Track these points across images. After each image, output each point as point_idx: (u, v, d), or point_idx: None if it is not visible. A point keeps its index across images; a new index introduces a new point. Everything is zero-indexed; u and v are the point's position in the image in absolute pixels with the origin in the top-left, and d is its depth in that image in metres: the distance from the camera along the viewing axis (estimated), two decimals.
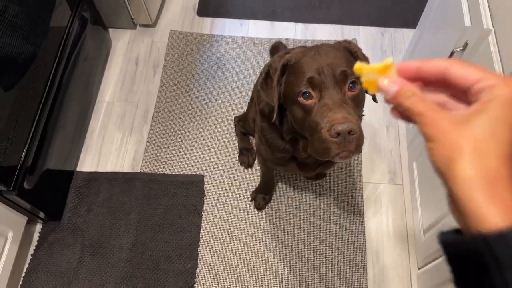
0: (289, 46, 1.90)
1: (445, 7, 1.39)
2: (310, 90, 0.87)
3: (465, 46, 1.17)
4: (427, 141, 0.36)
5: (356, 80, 0.87)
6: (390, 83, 0.39)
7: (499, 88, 0.35)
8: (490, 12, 1.08)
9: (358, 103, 0.90)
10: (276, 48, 1.75)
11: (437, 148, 0.35)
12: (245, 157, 1.71)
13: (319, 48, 0.92)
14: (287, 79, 0.95)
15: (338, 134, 0.81)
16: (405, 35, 2.06)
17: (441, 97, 0.40)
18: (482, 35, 1.08)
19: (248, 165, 1.71)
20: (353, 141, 0.82)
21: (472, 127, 0.34)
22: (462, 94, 0.38)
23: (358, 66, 0.43)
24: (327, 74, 0.86)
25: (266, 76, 1.01)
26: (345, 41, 0.97)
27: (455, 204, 0.34)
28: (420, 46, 1.66)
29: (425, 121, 0.36)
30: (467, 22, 1.18)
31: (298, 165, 1.22)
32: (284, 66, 0.95)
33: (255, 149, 1.58)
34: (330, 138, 0.82)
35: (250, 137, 1.74)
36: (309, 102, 0.88)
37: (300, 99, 0.89)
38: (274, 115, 0.98)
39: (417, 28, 1.72)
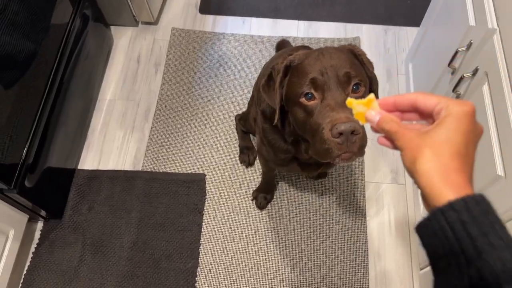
0: (292, 44, 1.89)
1: (450, 5, 1.37)
2: (312, 91, 0.86)
3: (469, 45, 1.16)
4: (400, 151, 0.48)
5: (360, 82, 0.86)
6: (375, 114, 0.52)
7: (452, 107, 0.47)
8: (495, 11, 1.07)
9: None
10: (282, 45, 1.74)
11: (405, 154, 0.47)
12: (246, 156, 1.70)
13: (323, 50, 0.90)
14: (290, 80, 0.93)
15: (340, 134, 0.78)
16: (408, 33, 2.04)
17: (419, 125, 0.52)
18: (487, 34, 1.07)
19: (249, 164, 1.70)
20: (356, 141, 0.80)
21: (432, 135, 0.45)
22: (430, 117, 0.50)
23: (349, 101, 0.56)
24: (330, 75, 0.84)
25: (269, 78, 0.99)
26: (349, 44, 0.96)
27: (423, 196, 0.45)
28: (424, 45, 1.65)
29: (398, 136, 0.48)
30: (472, 21, 1.17)
31: (300, 165, 1.21)
32: (286, 68, 0.94)
33: (256, 148, 1.57)
34: (332, 138, 0.79)
35: (251, 135, 1.73)
36: (311, 103, 0.86)
37: (302, 100, 0.87)
38: (276, 118, 0.97)
39: (421, 26, 1.71)
